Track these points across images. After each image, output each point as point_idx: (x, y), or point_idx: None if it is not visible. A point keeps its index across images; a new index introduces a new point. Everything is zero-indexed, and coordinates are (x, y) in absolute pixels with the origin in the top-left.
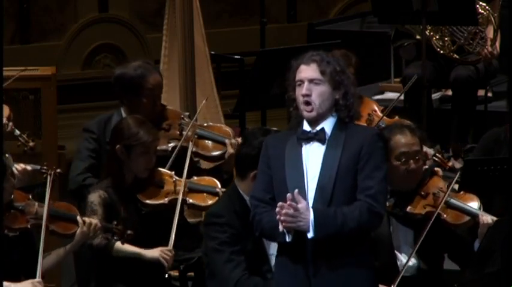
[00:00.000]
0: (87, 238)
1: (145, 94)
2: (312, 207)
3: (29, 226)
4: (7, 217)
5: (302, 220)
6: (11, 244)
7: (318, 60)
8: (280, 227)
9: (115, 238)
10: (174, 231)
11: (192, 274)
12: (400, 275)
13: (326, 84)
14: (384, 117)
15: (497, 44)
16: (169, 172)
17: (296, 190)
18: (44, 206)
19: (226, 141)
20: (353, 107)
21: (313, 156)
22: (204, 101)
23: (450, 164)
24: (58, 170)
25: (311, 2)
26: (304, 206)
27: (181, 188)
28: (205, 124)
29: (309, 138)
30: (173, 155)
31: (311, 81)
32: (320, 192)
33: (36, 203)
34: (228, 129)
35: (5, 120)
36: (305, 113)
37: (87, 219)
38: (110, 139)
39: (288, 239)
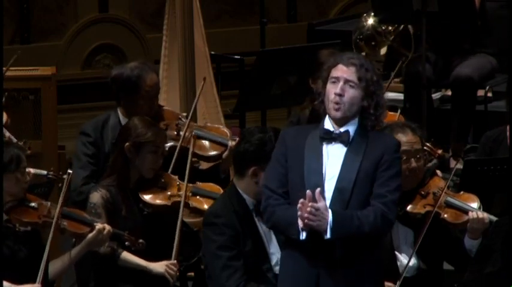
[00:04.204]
0: (96, 243)
1: (142, 94)
2: (330, 208)
3: (40, 222)
4: (19, 211)
5: (321, 220)
6: (18, 242)
7: (358, 65)
8: (300, 224)
9: (126, 244)
10: (177, 241)
11: (192, 274)
12: (402, 277)
13: (359, 90)
14: None
15: None
16: (173, 175)
17: (318, 189)
18: (57, 206)
19: (229, 143)
20: (380, 118)
21: (333, 156)
22: (202, 83)
23: (440, 152)
24: (65, 176)
25: (311, 2)
26: (323, 206)
27: (183, 192)
28: (202, 125)
29: (332, 138)
30: (174, 156)
31: (346, 82)
32: (338, 194)
33: (49, 203)
34: (225, 130)
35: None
36: (332, 112)
37: (100, 224)
38: (117, 138)
39: (302, 237)
